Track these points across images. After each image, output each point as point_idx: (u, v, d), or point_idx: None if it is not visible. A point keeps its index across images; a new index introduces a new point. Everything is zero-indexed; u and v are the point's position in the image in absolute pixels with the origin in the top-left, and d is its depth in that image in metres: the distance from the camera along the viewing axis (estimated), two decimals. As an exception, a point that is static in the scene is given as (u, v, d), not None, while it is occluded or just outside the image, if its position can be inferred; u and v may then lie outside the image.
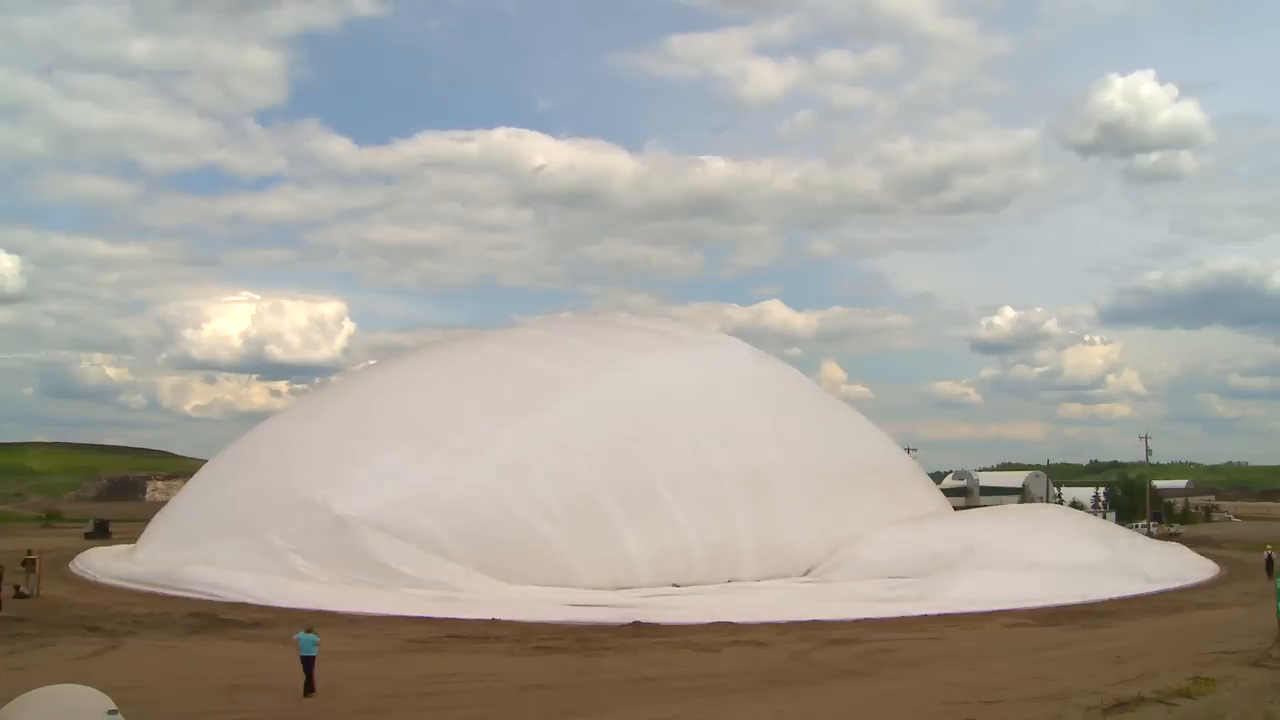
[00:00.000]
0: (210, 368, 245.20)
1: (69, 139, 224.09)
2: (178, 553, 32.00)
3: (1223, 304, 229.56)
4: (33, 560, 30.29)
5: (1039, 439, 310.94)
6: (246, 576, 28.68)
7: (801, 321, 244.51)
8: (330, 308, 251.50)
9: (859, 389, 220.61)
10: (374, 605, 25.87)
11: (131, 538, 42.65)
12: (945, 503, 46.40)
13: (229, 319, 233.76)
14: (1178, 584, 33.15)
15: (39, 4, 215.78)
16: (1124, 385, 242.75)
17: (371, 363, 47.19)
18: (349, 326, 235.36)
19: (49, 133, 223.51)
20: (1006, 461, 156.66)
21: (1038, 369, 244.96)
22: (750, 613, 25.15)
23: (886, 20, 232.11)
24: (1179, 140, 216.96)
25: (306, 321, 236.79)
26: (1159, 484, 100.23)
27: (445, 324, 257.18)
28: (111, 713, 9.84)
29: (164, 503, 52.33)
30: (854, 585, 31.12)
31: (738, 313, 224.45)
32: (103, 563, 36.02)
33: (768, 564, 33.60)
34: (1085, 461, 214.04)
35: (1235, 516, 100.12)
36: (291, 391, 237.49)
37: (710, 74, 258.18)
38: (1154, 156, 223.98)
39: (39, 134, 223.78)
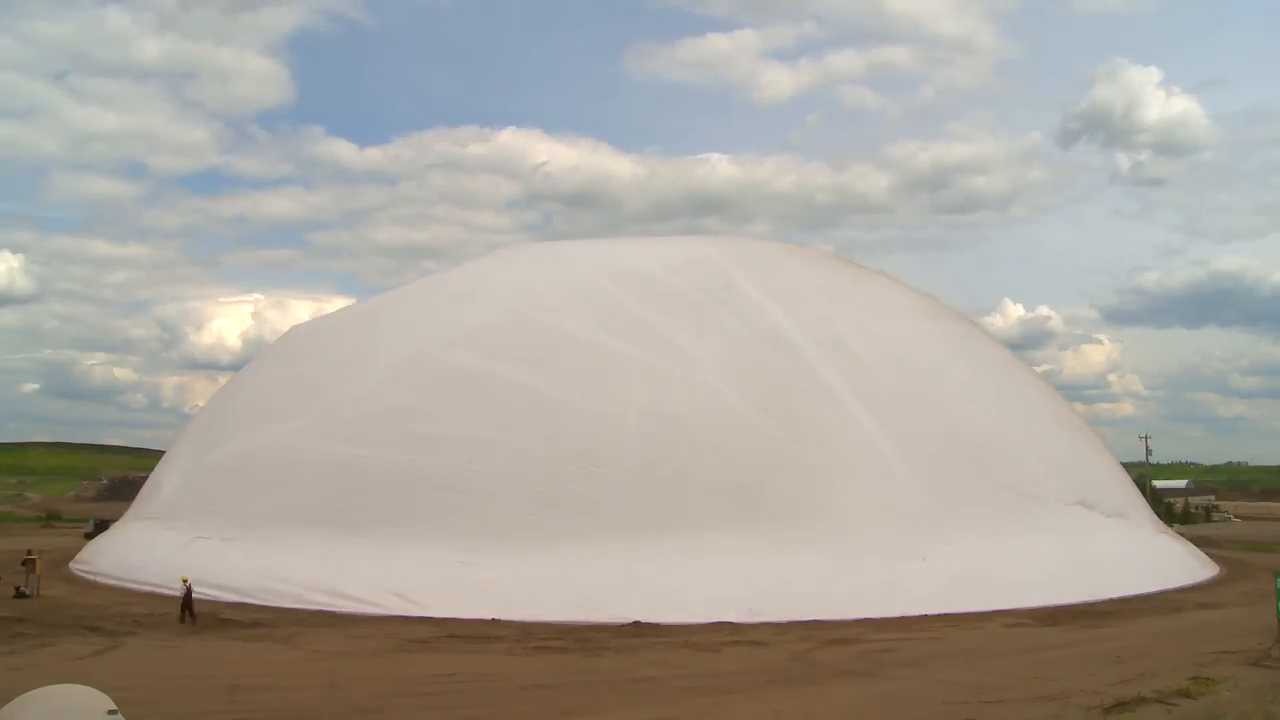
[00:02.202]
0: (212, 368, 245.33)
1: (77, 141, 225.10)
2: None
3: (1224, 304, 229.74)
4: (33, 560, 30.30)
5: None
6: (245, 575, 28.66)
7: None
8: (333, 308, 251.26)
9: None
10: (374, 605, 25.84)
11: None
12: None
13: (231, 319, 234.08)
14: (1178, 584, 33.14)
15: (54, 9, 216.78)
16: (1125, 385, 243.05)
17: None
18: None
19: (58, 135, 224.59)
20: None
21: (1038, 369, 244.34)
22: (750, 613, 25.11)
23: (894, 23, 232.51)
24: (1182, 139, 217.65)
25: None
26: (1159, 484, 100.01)
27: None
28: (111, 713, 9.84)
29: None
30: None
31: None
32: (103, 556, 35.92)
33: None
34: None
35: (1235, 516, 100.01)
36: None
37: (715, 75, 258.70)
38: (1157, 156, 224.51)
39: (48, 136, 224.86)
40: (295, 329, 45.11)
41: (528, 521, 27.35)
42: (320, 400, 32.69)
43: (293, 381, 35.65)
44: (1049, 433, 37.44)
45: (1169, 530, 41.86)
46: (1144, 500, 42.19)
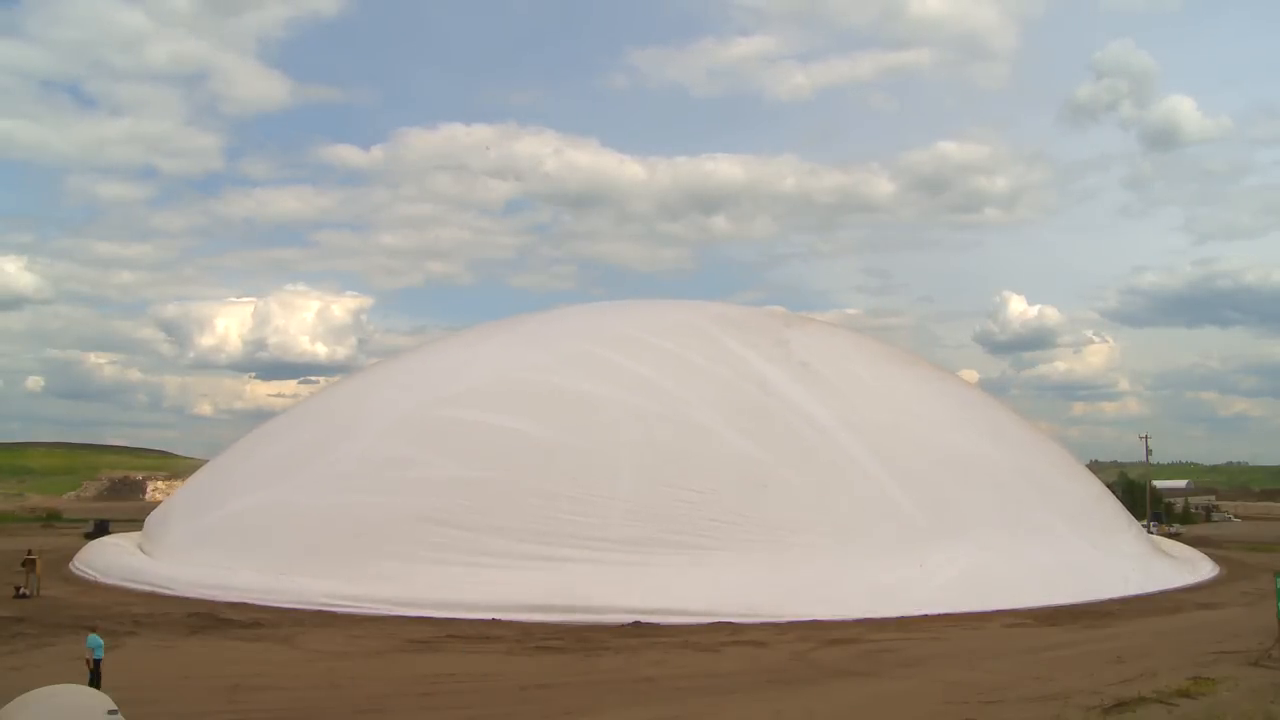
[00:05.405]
0: (214, 368, 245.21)
1: (82, 143, 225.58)
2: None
3: (1224, 304, 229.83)
4: (33, 560, 30.29)
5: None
6: (245, 574, 28.65)
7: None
8: (336, 309, 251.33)
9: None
10: (373, 605, 25.84)
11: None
12: None
13: (233, 320, 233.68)
14: (1178, 584, 33.16)
15: (63, 13, 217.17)
16: (1125, 385, 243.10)
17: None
18: (355, 327, 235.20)
19: (62, 136, 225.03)
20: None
21: (1039, 368, 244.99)
22: (750, 613, 25.13)
23: (902, 25, 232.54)
24: (1184, 139, 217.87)
25: (312, 322, 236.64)
26: (1159, 484, 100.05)
27: (453, 325, 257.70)
28: (111, 713, 9.87)
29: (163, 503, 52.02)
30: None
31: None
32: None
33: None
34: (1086, 461, 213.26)
35: (1235, 516, 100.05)
36: (295, 393, 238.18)
37: (719, 75, 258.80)
38: (1159, 156, 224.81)
39: (53, 137, 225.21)
40: (292, 408, 45.51)
41: (523, 550, 27.25)
42: (316, 459, 32.79)
43: (288, 448, 35.90)
44: (1034, 457, 38.21)
45: (1160, 549, 41.88)
46: (1135, 523, 42.56)
